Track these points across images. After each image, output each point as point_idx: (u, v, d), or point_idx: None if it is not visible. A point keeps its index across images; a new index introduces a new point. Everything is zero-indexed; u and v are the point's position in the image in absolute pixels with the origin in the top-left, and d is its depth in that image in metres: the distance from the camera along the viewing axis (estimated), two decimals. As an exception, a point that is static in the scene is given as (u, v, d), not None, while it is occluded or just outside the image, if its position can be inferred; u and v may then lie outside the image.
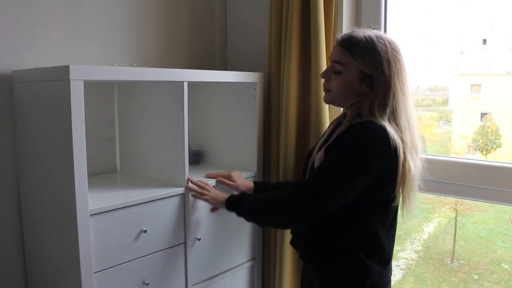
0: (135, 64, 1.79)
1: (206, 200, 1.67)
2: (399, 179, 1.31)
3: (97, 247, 1.47)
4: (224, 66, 2.41)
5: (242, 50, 2.36)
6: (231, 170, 1.88)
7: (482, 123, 2.49)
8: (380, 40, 1.34)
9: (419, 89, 2.28)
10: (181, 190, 1.70)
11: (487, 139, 2.45)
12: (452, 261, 2.94)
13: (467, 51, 2.26)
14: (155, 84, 1.75)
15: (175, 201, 1.69)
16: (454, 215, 3.41)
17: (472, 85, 2.43)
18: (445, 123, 2.51)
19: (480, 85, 2.44)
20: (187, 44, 2.26)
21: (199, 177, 1.85)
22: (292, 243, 1.64)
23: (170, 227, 1.69)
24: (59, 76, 1.37)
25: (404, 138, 1.31)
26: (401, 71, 1.35)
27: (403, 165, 1.30)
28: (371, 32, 1.37)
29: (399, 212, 1.44)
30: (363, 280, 1.38)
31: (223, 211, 1.65)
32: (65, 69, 1.33)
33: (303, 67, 1.94)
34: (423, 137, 1.50)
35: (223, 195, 1.63)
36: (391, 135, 1.27)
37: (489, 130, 2.49)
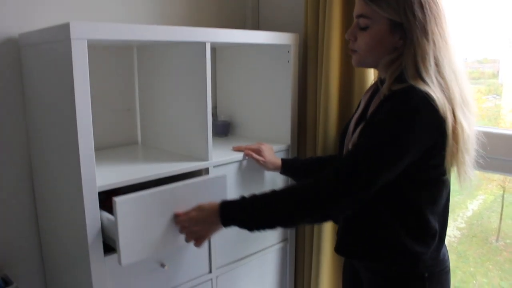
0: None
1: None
2: (449, 146, 1.09)
3: (108, 228, 1.32)
4: (256, 26, 2.18)
5: (276, 8, 2.11)
6: (261, 143, 1.69)
7: None
8: None
9: (467, 61, 2.08)
10: (204, 164, 1.53)
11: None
12: (497, 240, 2.69)
13: None
14: (176, 46, 1.56)
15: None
16: (501, 192, 3.21)
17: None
18: (494, 97, 2.34)
19: (497, 60, 2.23)
20: (214, 1, 2.05)
21: (225, 150, 1.67)
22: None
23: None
24: (60, 36, 1.20)
25: (452, 95, 1.09)
26: (439, 14, 1.11)
27: (454, 128, 1.08)
28: None
29: (452, 187, 1.22)
30: (418, 269, 1.19)
31: (249, 188, 1.44)
32: (65, 28, 1.16)
33: (346, 28, 1.69)
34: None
35: (211, 215, 1.25)
36: (438, 102, 1.06)
37: None
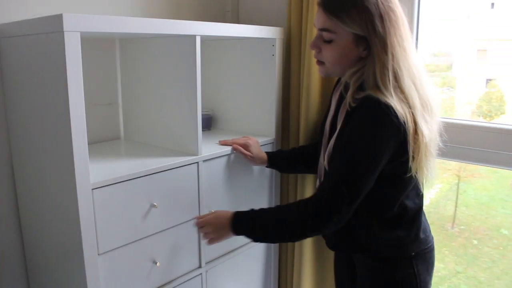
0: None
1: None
2: (411, 151, 1.16)
3: (101, 226, 1.29)
4: (236, 20, 2.17)
5: (256, 1, 2.11)
6: (247, 137, 1.69)
7: (487, 90, 2.46)
8: None
9: (422, 54, 2.14)
10: (194, 159, 1.51)
11: (491, 106, 2.41)
12: (452, 227, 2.94)
13: (474, 15, 2.13)
14: (163, 39, 1.54)
15: (188, 171, 1.51)
16: (456, 181, 3.40)
17: (478, 50, 2.38)
18: (448, 89, 2.44)
19: (486, 50, 2.38)
20: (195, -5, 2.03)
21: (210, 144, 1.66)
22: None
23: (182, 200, 1.51)
24: (51, 28, 1.16)
25: (411, 104, 1.15)
26: (398, 24, 1.17)
27: (416, 133, 1.15)
28: None
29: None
30: (404, 251, 1.31)
31: (238, 182, 1.46)
32: (58, 19, 1.12)
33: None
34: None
35: (225, 223, 1.34)
36: (397, 111, 1.12)
37: (494, 97, 2.45)
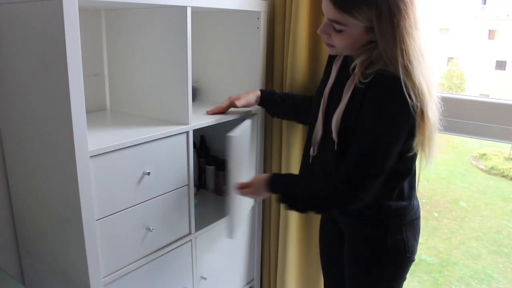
0: None
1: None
2: (418, 135, 1.23)
3: (98, 193, 1.33)
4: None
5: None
6: (229, 97, 1.72)
7: (448, 67, 2.53)
8: None
9: None
10: (185, 128, 1.55)
11: (452, 83, 2.51)
12: None
13: None
14: (152, 10, 1.55)
15: (179, 140, 1.55)
16: (419, 156, 3.51)
17: (440, 29, 2.41)
18: None
19: (448, 29, 2.42)
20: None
21: (198, 114, 1.70)
22: None
23: (173, 168, 1.55)
24: (48, -5, 1.16)
25: (420, 91, 1.17)
26: (407, 13, 1.16)
27: (422, 118, 1.20)
28: None
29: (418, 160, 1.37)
30: (396, 219, 1.38)
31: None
32: (56, -14, 1.12)
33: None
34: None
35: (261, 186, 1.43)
36: (407, 87, 1.15)
37: (454, 75, 2.53)
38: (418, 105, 1.16)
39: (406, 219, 1.38)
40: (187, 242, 1.67)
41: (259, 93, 1.69)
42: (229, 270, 1.96)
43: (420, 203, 1.47)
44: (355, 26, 1.19)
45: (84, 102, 1.22)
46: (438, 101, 1.26)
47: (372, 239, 1.39)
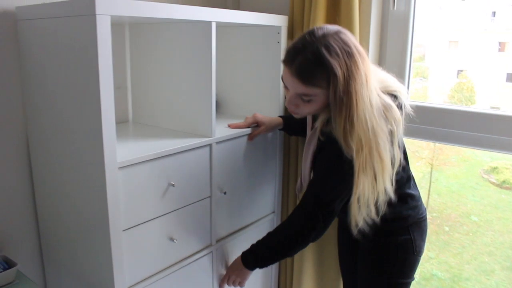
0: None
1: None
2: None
3: (125, 203, 1.35)
4: (237, 7, 2.22)
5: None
6: (254, 115, 1.78)
7: (458, 80, 2.54)
8: (331, 49, 1.23)
9: None
10: (208, 140, 1.58)
11: (462, 96, 2.52)
12: None
13: (445, 7, 2.22)
14: (177, 24, 1.59)
15: (202, 153, 1.57)
16: (429, 169, 3.50)
17: (449, 41, 2.42)
18: (421, 79, 2.51)
19: (457, 41, 2.44)
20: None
21: (219, 127, 1.72)
22: None
23: (197, 180, 1.58)
24: (82, 11, 1.20)
25: (362, 152, 1.27)
26: (357, 65, 1.25)
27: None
28: (313, 39, 1.26)
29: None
30: (405, 223, 1.50)
31: (246, 162, 1.69)
32: (90, 2, 1.16)
33: (331, 12, 1.80)
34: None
35: (238, 264, 1.58)
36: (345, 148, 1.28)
37: (465, 87, 2.54)
38: (355, 161, 1.27)
39: (413, 220, 1.50)
40: (208, 253, 1.68)
41: (281, 121, 1.81)
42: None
43: (429, 215, 1.58)
44: (321, 94, 1.29)
45: (114, 115, 1.25)
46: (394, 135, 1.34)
47: (382, 240, 1.48)
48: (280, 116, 1.84)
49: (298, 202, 1.58)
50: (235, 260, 1.59)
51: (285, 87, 1.36)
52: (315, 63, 1.24)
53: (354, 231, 1.36)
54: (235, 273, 1.60)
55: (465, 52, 2.46)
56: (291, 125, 1.83)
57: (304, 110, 1.37)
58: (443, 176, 4.13)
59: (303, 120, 1.76)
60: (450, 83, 2.60)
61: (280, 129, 1.86)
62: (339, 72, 1.22)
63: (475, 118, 1.75)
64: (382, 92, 1.34)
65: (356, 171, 1.27)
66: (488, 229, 4.53)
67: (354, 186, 1.29)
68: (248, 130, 1.76)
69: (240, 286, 1.64)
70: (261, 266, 1.55)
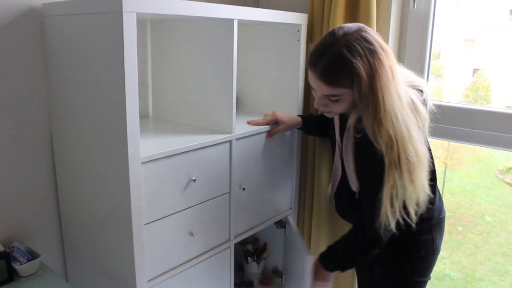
0: None
1: None
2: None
3: (147, 198, 1.37)
4: (256, 4, 2.23)
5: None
6: (274, 112, 1.80)
7: (474, 79, 2.51)
8: (352, 49, 1.23)
9: None
10: (229, 137, 1.60)
11: (478, 95, 2.49)
12: None
13: (462, 4, 2.19)
14: (198, 22, 1.60)
15: (223, 149, 1.59)
16: (443, 169, 3.47)
17: (465, 40, 2.40)
18: (436, 77, 2.45)
19: (473, 40, 2.42)
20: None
21: (239, 124, 1.74)
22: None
23: (217, 176, 1.60)
24: (108, 8, 1.22)
25: (392, 149, 1.26)
26: (382, 60, 1.25)
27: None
28: (334, 40, 1.27)
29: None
30: (428, 223, 1.50)
31: (264, 159, 1.70)
32: (117, 0, 1.18)
33: (351, 10, 1.81)
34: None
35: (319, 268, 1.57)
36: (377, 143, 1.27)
37: (480, 86, 2.51)
38: (387, 157, 1.26)
39: (436, 220, 1.51)
40: (226, 248, 1.70)
41: (300, 120, 1.82)
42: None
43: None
44: (348, 93, 1.29)
45: (138, 110, 1.27)
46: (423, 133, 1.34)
47: (405, 239, 1.45)
48: (299, 115, 1.85)
49: (332, 202, 1.70)
50: (315, 264, 1.59)
51: (312, 88, 1.37)
52: (337, 64, 1.25)
53: (383, 234, 1.35)
54: (322, 279, 1.59)
55: (482, 51, 2.43)
56: (310, 125, 1.85)
57: (334, 109, 1.37)
58: (457, 175, 4.10)
59: (322, 121, 1.78)
60: (466, 82, 2.57)
61: (298, 128, 1.88)
62: (362, 71, 1.22)
63: (494, 117, 1.74)
64: (408, 87, 1.35)
65: (386, 168, 1.26)
66: (503, 230, 4.49)
67: (385, 184, 1.27)
68: (267, 127, 1.77)
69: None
70: (341, 270, 1.59)
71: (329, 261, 1.54)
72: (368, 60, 1.23)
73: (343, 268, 1.57)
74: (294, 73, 1.89)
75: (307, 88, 1.97)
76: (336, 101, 1.33)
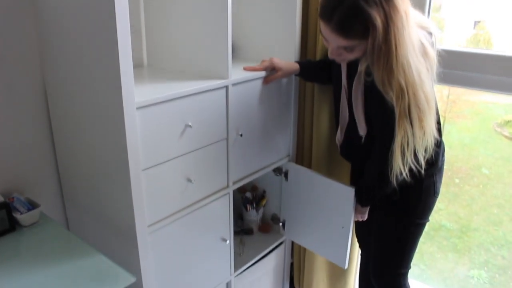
0: None
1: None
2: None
3: (144, 144, 1.36)
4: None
5: None
6: (271, 58, 1.76)
7: (475, 31, 2.48)
8: None
9: None
10: (225, 82, 1.57)
11: (479, 48, 2.47)
12: None
13: None
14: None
15: (219, 94, 1.57)
16: (442, 122, 3.45)
17: None
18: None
19: None
20: None
21: (236, 70, 1.71)
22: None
23: (213, 122, 1.59)
24: None
25: (403, 98, 1.27)
26: (397, 13, 1.22)
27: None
28: None
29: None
30: (432, 167, 1.51)
31: (261, 105, 1.71)
32: None
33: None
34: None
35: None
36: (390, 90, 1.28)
37: (481, 39, 2.48)
38: (397, 108, 1.28)
39: (439, 164, 1.54)
40: (225, 195, 1.72)
41: (298, 67, 1.80)
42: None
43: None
44: (363, 43, 1.28)
45: (131, 55, 1.24)
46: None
47: (407, 183, 1.45)
48: (296, 62, 1.82)
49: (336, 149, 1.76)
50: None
51: (325, 39, 1.35)
52: (354, 16, 1.23)
53: (394, 180, 1.37)
54: (357, 213, 1.71)
55: (483, 2, 2.39)
56: (308, 71, 1.83)
57: (349, 57, 1.38)
58: (456, 129, 4.10)
59: (321, 67, 1.76)
60: (467, 35, 2.54)
61: (296, 75, 1.86)
62: (378, 22, 1.21)
63: (496, 60, 1.72)
64: (418, 27, 1.33)
65: (396, 117, 1.27)
66: (499, 182, 4.54)
67: (397, 133, 1.29)
68: (264, 73, 1.74)
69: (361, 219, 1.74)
70: (372, 203, 1.67)
71: (359, 197, 1.65)
72: (383, 9, 1.21)
73: (370, 203, 1.66)
74: (291, 19, 1.85)
75: (304, 33, 1.93)
76: (351, 50, 1.33)
